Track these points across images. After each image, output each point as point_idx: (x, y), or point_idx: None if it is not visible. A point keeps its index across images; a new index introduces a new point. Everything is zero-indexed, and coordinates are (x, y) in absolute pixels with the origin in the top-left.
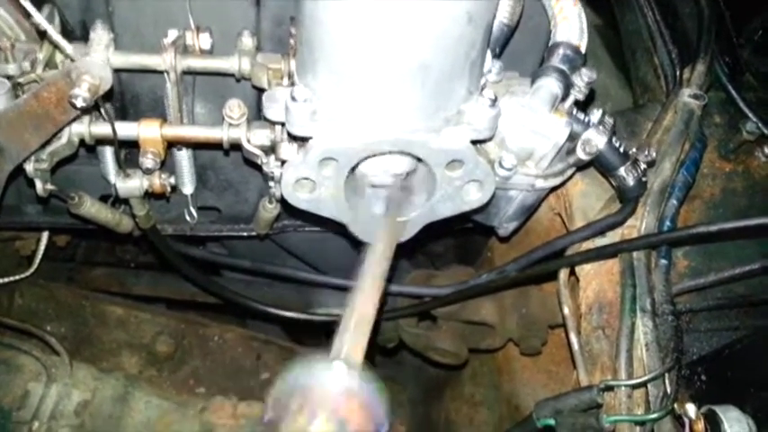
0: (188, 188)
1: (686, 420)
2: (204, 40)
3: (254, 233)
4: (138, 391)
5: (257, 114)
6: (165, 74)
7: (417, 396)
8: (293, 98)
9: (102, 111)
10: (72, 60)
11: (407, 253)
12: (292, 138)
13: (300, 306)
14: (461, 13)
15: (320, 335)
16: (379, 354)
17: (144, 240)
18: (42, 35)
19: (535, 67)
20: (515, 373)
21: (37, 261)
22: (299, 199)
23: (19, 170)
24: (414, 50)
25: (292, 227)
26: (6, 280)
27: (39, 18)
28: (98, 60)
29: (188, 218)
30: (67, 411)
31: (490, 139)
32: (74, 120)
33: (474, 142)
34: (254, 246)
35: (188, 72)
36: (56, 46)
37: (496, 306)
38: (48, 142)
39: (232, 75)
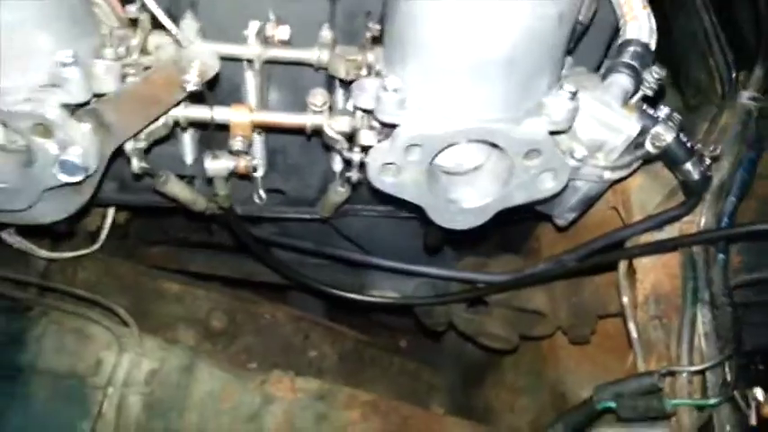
0: (259, 170)
1: (753, 403)
2: (283, 32)
3: (316, 216)
4: (201, 363)
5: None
6: (246, 63)
7: (456, 381)
8: (384, 88)
9: (206, 95)
10: (182, 47)
11: (462, 241)
12: (380, 125)
13: (355, 287)
14: (553, 13)
15: (366, 315)
16: (423, 336)
17: (211, 220)
18: (134, 23)
19: (595, 62)
20: (560, 360)
21: (103, 236)
22: (384, 182)
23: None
24: (503, 48)
25: (353, 211)
26: (74, 254)
27: (150, 4)
28: (206, 48)
29: (256, 199)
30: (138, 379)
31: (567, 130)
32: (177, 104)
33: (551, 133)
34: (308, 227)
35: (270, 61)
36: (156, 29)
37: (548, 294)
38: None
39: (311, 65)
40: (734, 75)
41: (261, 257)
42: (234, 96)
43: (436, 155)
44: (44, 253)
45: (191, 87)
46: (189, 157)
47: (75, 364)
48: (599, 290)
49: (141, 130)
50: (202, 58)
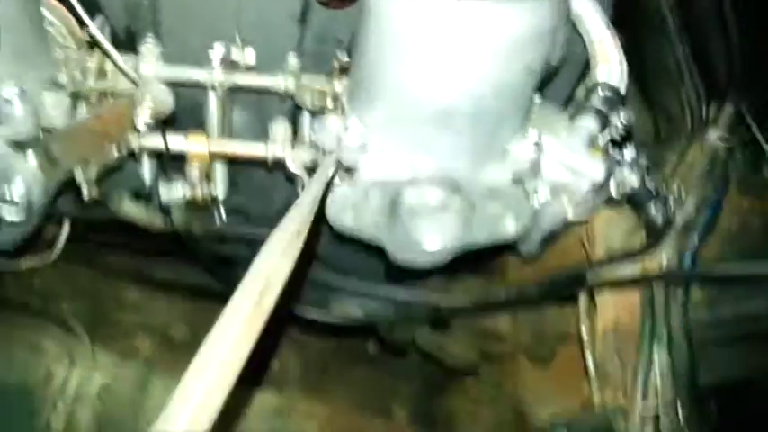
0: (220, 193)
1: None
2: (249, 56)
3: None
4: (156, 378)
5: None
6: (211, 89)
7: (420, 389)
8: (346, 130)
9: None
10: (135, 84)
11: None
12: (340, 164)
13: (317, 303)
14: (521, 66)
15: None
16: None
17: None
18: (92, 45)
19: (564, 96)
20: (522, 378)
21: (59, 247)
22: (344, 224)
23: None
24: (472, 100)
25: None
26: (30, 264)
27: (102, 40)
28: (160, 86)
29: (217, 220)
30: (90, 394)
31: (528, 179)
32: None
33: (514, 180)
34: None
35: (233, 88)
36: (108, 56)
37: (510, 317)
38: None
39: (276, 93)
40: (704, 109)
41: (217, 277)
42: (195, 116)
43: (397, 198)
44: None
45: (142, 127)
46: (147, 175)
47: (24, 377)
48: (560, 315)
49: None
50: (156, 95)
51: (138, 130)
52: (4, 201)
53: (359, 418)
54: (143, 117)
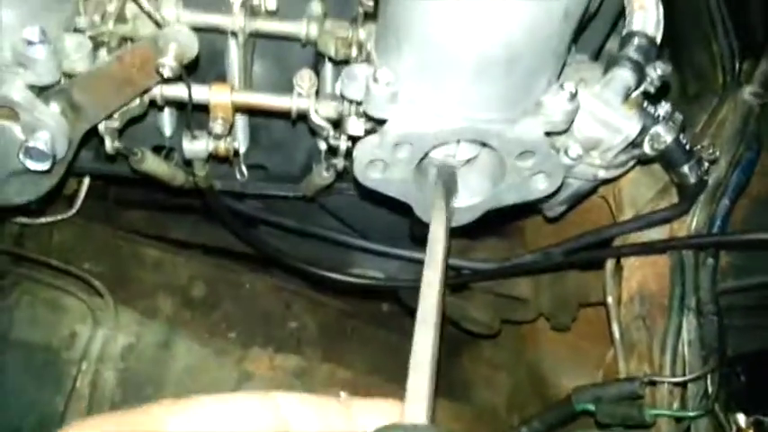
0: (241, 147)
1: (733, 427)
2: (271, 1)
3: (300, 194)
4: (179, 338)
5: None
6: (231, 34)
7: None
8: (375, 79)
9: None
10: (159, 27)
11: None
12: (368, 119)
13: (336, 265)
14: (560, 9)
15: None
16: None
17: (191, 194)
18: None
19: (596, 47)
20: (539, 343)
21: (79, 202)
22: (370, 178)
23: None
24: (506, 44)
25: (339, 189)
26: (49, 219)
27: None
28: (184, 29)
29: (238, 175)
30: (114, 354)
31: (564, 132)
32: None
33: (547, 134)
34: (292, 203)
35: (255, 34)
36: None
37: (532, 282)
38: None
39: (298, 40)
40: (738, 64)
41: (239, 235)
42: (215, 65)
43: (427, 153)
44: (18, 218)
45: (167, 73)
46: (167, 129)
47: (48, 336)
48: (582, 280)
49: (115, 111)
50: (181, 39)
51: (162, 77)
52: (29, 151)
53: (381, 385)
54: (168, 62)
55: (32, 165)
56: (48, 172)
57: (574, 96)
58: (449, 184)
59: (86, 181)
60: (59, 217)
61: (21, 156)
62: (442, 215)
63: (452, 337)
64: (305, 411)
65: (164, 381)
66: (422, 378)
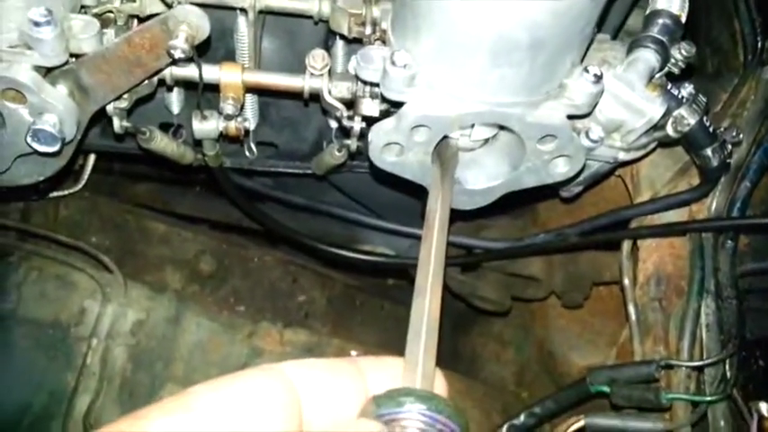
0: (250, 124)
1: (755, 415)
2: None
3: (309, 171)
4: (189, 312)
5: None
6: (241, 11)
7: (445, 327)
8: (393, 62)
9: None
10: (169, 6)
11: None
12: (384, 100)
13: (345, 241)
14: None
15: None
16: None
17: (199, 171)
18: None
19: (615, 24)
20: (550, 319)
21: (85, 177)
22: (386, 161)
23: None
24: (529, 26)
25: (350, 167)
26: (56, 194)
27: None
28: (194, 9)
29: (247, 153)
30: (123, 330)
31: (587, 115)
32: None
33: (569, 117)
34: (302, 180)
35: (265, 11)
36: None
37: (545, 261)
38: None
39: (310, 17)
40: (760, 42)
41: (249, 214)
42: (223, 43)
43: (444, 136)
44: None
45: (178, 55)
46: (175, 107)
47: (57, 312)
48: (596, 258)
49: (124, 93)
50: (191, 19)
51: (173, 58)
52: (37, 133)
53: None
54: (179, 44)
55: (40, 147)
56: (56, 154)
57: (599, 79)
58: (447, 158)
59: (92, 156)
60: (66, 192)
61: (28, 139)
62: (438, 190)
63: (462, 313)
64: (314, 375)
65: (174, 356)
66: (416, 348)
